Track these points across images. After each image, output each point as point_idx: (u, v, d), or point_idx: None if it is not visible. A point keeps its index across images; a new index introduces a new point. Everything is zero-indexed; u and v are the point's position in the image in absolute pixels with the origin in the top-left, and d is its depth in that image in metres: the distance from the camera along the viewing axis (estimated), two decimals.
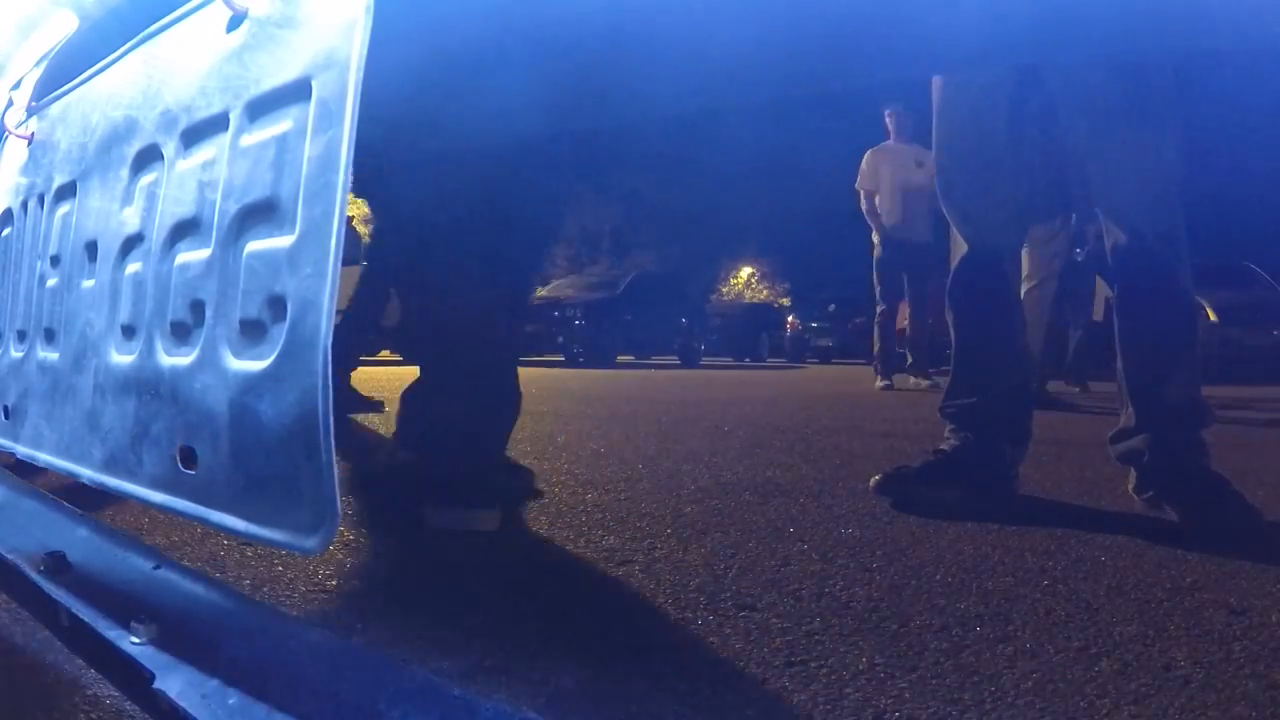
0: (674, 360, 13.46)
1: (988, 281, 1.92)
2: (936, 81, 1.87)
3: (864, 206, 6.52)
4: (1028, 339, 2.08)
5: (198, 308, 0.79)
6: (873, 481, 1.82)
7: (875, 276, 6.68)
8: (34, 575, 0.94)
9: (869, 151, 6.59)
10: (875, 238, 6.57)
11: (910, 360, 6.76)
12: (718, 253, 32.78)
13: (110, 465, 0.90)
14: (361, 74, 0.66)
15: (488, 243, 1.66)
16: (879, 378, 6.68)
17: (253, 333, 0.72)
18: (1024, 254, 4.78)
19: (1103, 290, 12.02)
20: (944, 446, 1.88)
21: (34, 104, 1.26)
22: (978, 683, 0.86)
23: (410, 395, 1.75)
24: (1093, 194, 1.76)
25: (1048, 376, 5.07)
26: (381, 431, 2.81)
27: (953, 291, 1.96)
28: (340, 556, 1.28)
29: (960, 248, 1.95)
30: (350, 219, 2.18)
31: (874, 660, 0.92)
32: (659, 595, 1.13)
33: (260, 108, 0.76)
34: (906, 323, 6.90)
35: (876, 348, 6.88)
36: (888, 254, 6.52)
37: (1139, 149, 1.66)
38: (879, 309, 6.76)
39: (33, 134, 1.25)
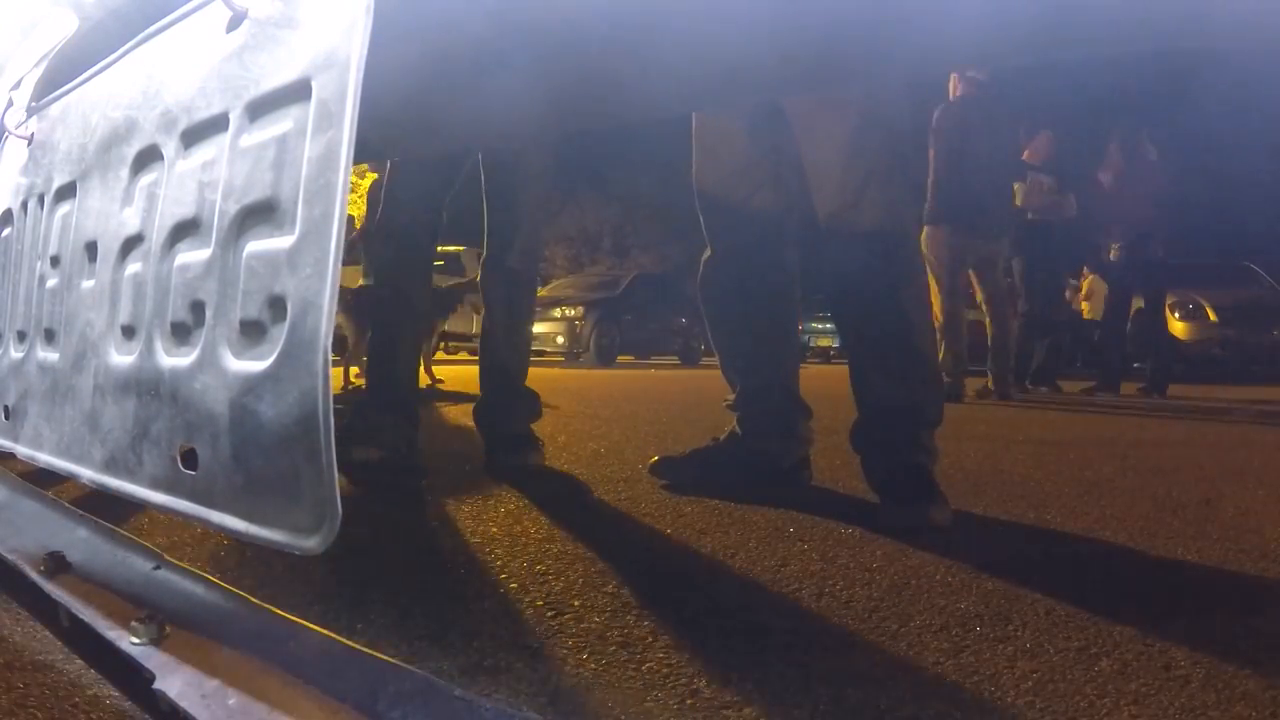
0: (674, 360, 13.44)
1: (731, 279, 1.96)
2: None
3: None
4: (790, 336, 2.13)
5: (198, 308, 0.79)
6: (647, 464, 1.98)
7: None
8: (34, 575, 0.94)
9: None
10: None
11: None
12: None
13: (110, 465, 0.90)
14: (361, 74, 0.66)
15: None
16: None
17: (253, 333, 0.72)
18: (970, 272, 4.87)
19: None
20: (720, 435, 2.00)
21: (34, 104, 1.26)
22: (978, 683, 0.86)
23: None
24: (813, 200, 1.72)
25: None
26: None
27: (701, 289, 2.02)
28: (340, 557, 1.28)
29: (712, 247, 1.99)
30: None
31: (874, 660, 0.92)
32: (658, 595, 1.13)
33: (260, 108, 0.76)
34: None
35: None
36: None
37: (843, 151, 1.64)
38: None
39: (33, 134, 1.25)
